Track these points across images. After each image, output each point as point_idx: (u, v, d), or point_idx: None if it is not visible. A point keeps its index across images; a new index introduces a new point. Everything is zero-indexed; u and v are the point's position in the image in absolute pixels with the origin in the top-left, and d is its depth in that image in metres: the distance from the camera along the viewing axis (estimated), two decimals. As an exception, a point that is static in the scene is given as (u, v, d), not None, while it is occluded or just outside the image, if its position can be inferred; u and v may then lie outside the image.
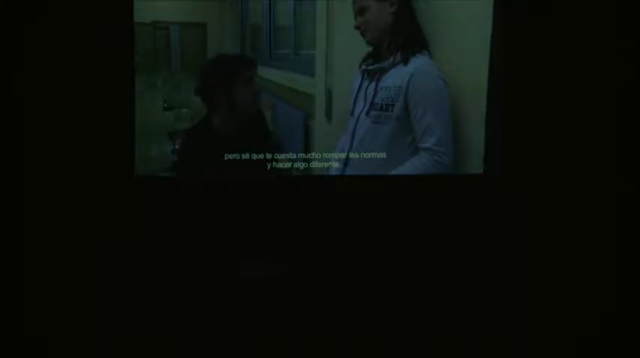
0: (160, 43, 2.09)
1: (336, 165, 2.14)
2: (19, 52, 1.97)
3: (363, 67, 2.13)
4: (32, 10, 1.96)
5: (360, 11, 2.10)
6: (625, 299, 2.10)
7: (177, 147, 2.12)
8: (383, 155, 2.12)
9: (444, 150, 2.08)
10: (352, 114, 2.14)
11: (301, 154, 2.14)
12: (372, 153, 2.12)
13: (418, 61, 2.09)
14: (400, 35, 2.10)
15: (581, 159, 2.15)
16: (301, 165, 2.14)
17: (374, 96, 2.11)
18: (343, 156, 2.14)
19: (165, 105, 2.12)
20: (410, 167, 2.11)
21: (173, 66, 2.12)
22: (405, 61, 2.09)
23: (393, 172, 2.12)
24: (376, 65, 2.11)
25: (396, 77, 2.09)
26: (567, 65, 2.13)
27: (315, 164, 2.14)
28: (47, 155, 2.01)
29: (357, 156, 2.13)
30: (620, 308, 2.09)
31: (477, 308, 2.12)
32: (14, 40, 1.96)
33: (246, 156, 2.10)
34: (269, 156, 2.12)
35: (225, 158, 2.09)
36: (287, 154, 2.14)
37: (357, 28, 2.11)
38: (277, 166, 2.12)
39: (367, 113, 2.12)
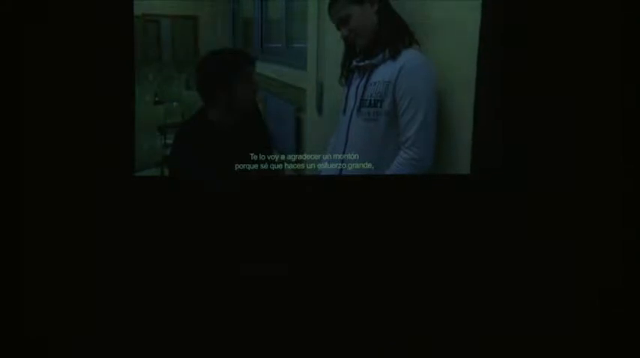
0: (151, 36, 2.07)
1: (332, 165, 2.13)
2: (18, 49, 1.96)
3: (354, 63, 2.10)
4: (32, 4, 1.95)
5: (343, 21, 2.07)
6: (625, 299, 2.07)
7: (167, 141, 2.11)
8: (377, 154, 2.10)
9: (419, 146, 2.05)
10: (344, 112, 2.12)
11: (299, 156, 2.13)
12: (366, 151, 2.10)
13: (408, 56, 2.06)
14: (386, 31, 2.06)
15: (579, 159, 2.11)
16: (297, 166, 2.13)
17: (363, 92, 2.09)
18: (339, 156, 2.12)
19: (157, 99, 2.12)
20: (392, 166, 2.10)
21: (164, 59, 2.11)
22: (395, 57, 2.06)
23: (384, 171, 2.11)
24: (367, 61, 2.08)
25: (385, 72, 2.07)
26: (566, 63, 2.09)
27: (310, 165, 2.13)
28: (47, 155, 2.00)
29: (352, 156, 2.11)
30: (620, 308, 2.06)
31: (475, 308, 2.12)
32: (14, 37, 1.95)
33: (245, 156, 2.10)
34: (269, 156, 2.12)
35: (220, 153, 2.08)
36: (285, 155, 2.13)
37: (345, 38, 2.08)
38: (273, 166, 2.11)
39: (358, 110, 2.10)
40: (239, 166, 2.09)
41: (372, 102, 2.08)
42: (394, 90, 2.05)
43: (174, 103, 2.13)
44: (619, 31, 2.02)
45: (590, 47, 2.06)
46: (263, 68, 2.12)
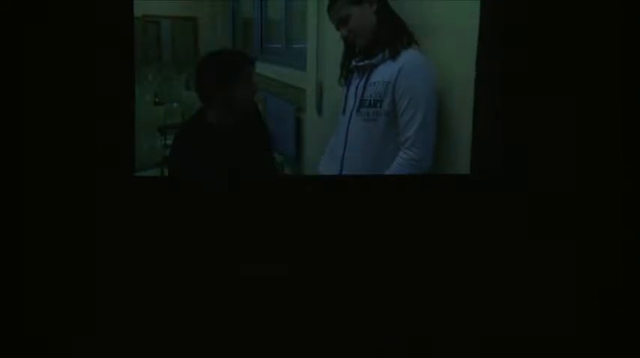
0: (151, 37, 2.08)
1: (332, 165, 2.13)
2: (18, 49, 1.96)
3: (354, 63, 2.10)
4: (32, 4, 1.95)
5: (342, 22, 2.07)
6: (625, 299, 2.07)
7: (167, 141, 2.11)
8: (377, 154, 2.09)
9: (419, 146, 2.05)
10: (343, 112, 2.12)
11: (299, 156, 2.14)
12: (366, 151, 2.10)
13: (408, 56, 2.05)
14: (386, 31, 2.06)
15: (579, 159, 2.11)
16: (297, 165, 2.14)
17: (363, 92, 2.09)
18: (339, 156, 2.12)
19: (157, 99, 2.11)
20: (391, 167, 2.10)
21: (164, 60, 2.11)
22: (395, 57, 2.06)
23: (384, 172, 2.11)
24: (366, 61, 2.08)
25: (385, 73, 2.06)
26: (566, 63, 2.08)
27: (310, 165, 2.14)
28: (47, 155, 2.00)
29: (351, 155, 2.11)
30: (620, 308, 2.06)
31: (475, 308, 2.12)
32: (14, 37, 1.95)
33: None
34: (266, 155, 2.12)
35: (220, 153, 2.08)
36: (285, 155, 2.14)
37: (344, 39, 2.08)
38: (274, 165, 2.12)
39: (358, 110, 2.09)
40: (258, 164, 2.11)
41: (372, 102, 2.07)
42: (393, 90, 2.05)
43: (175, 104, 2.13)
44: (619, 31, 2.02)
45: (590, 47, 2.05)
46: (263, 68, 2.12)
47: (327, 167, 2.13)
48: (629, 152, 2.05)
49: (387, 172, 2.08)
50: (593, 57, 2.06)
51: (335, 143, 2.12)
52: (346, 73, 2.11)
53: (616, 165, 2.06)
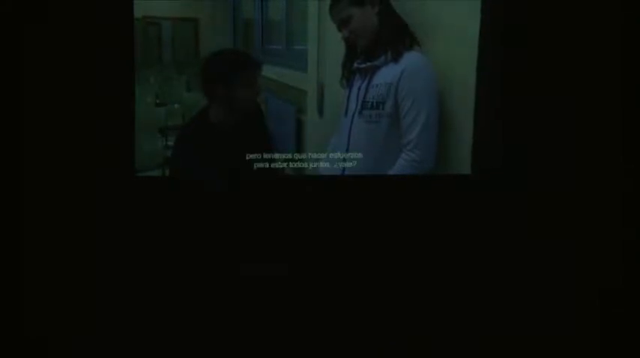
0: (152, 38, 2.07)
1: (333, 166, 2.13)
2: (18, 49, 1.96)
3: (356, 65, 2.09)
4: (32, 4, 1.95)
5: (344, 22, 2.07)
6: (625, 299, 2.07)
7: (169, 142, 2.11)
8: (379, 155, 2.09)
9: (421, 148, 2.05)
10: (345, 114, 2.12)
11: (300, 155, 2.13)
12: (368, 153, 2.10)
13: (410, 58, 2.05)
14: (387, 32, 2.06)
15: (579, 159, 2.11)
16: (297, 164, 2.13)
17: (365, 94, 2.08)
18: (341, 156, 2.12)
19: (158, 100, 2.11)
20: (393, 168, 2.10)
21: (165, 61, 2.11)
22: (397, 59, 2.05)
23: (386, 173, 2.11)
24: (368, 63, 2.08)
25: (387, 75, 2.06)
26: (566, 63, 2.08)
27: (311, 164, 2.13)
28: (47, 155, 2.00)
29: (354, 156, 2.11)
30: (620, 308, 2.06)
31: (475, 308, 2.12)
32: (14, 37, 1.95)
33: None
34: (267, 155, 2.11)
35: (221, 154, 2.08)
36: (285, 155, 2.13)
37: (346, 40, 2.08)
38: (274, 165, 2.11)
39: (360, 112, 2.09)
40: (258, 165, 2.10)
41: (374, 104, 2.07)
42: (396, 92, 2.04)
43: (176, 105, 2.13)
44: (619, 31, 2.02)
45: (590, 47, 2.06)
46: (264, 69, 2.11)
47: (328, 167, 2.13)
48: (629, 152, 2.05)
49: (390, 173, 2.09)
50: (593, 57, 2.06)
51: (337, 144, 2.12)
52: (348, 75, 2.11)
53: (616, 165, 2.06)
